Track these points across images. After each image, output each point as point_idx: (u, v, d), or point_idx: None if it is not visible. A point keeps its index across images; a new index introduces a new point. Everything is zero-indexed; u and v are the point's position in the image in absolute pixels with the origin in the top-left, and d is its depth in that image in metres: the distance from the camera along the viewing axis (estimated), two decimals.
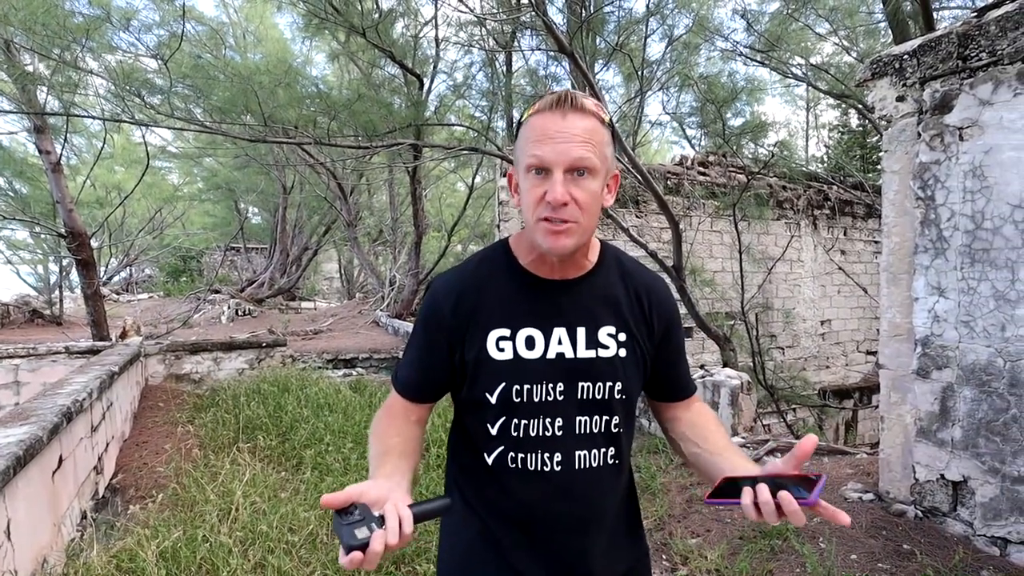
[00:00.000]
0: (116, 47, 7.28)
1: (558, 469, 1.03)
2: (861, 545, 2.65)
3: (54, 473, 2.90)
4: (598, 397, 1.05)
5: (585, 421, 1.05)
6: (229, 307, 14.37)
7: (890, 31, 7.37)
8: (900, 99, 2.89)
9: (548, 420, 1.03)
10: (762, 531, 2.89)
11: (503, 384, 1.01)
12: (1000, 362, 2.50)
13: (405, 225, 15.75)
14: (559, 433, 1.03)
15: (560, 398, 1.03)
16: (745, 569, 2.60)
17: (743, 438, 3.91)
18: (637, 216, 9.41)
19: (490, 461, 1.05)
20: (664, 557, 2.93)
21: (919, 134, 2.78)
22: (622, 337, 1.07)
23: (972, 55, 2.59)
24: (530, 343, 1.03)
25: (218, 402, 5.62)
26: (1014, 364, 2.45)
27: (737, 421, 4.02)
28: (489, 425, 1.04)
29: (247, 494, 3.31)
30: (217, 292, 15.93)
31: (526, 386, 1.02)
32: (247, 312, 14.62)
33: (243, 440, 4.59)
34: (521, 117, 1.01)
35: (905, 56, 2.85)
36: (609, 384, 1.05)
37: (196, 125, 7.08)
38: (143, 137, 8.94)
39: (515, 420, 1.02)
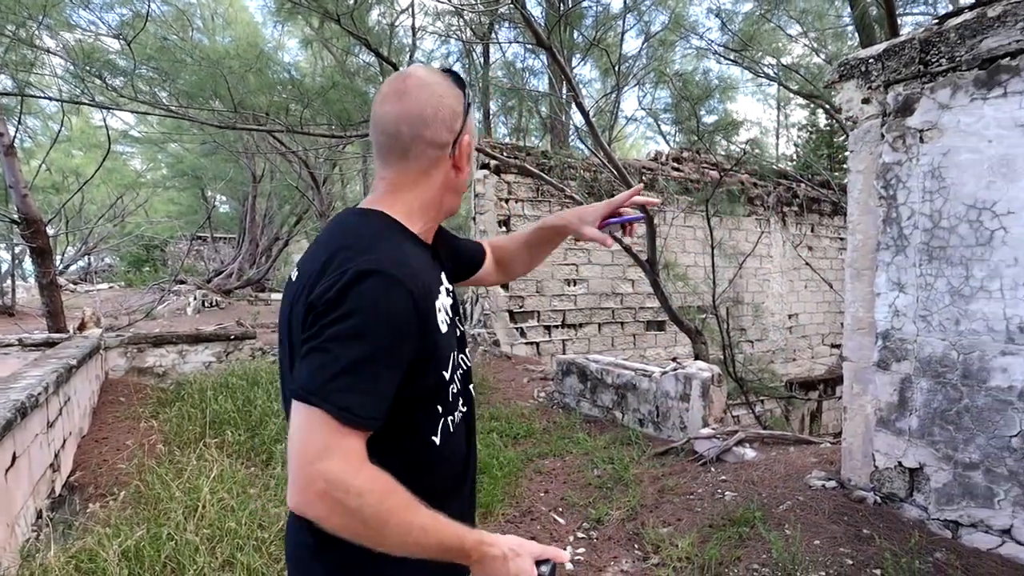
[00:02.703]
0: (75, 25, 7.04)
1: (465, 411, 1.10)
2: (824, 531, 2.74)
3: (7, 471, 2.82)
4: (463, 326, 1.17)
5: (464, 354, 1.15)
6: (195, 298, 14.04)
7: (857, 35, 7.56)
8: (865, 101, 2.97)
9: (465, 369, 1.11)
10: (731, 519, 2.97)
11: (452, 355, 1.02)
12: (954, 355, 2.60)
13: None
14: (464, 375, 1.11)
15: (465, 339, 1.14)
16: (715, 556, 2.67)
17: (713, 429, 4.00)
18: None
19: (438, 440, 1.00)
20: (636, 546, 2.99)
21: (883, 135, 2.87)
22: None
23: (933, 60, 2.68)
24: (451, 308, 1.06)
25: (183, 396, 5.51)
26: (967, 356, 2.56)
27: (708, 412, 4.11)
28: (440, 405, 1.00)
29: (214, 490, 3.25)
30: (182, 283, 15.55)
31: (461, 349, 1.09)
32: (214, 304, 14.32)
33: (210, 435, 4.51)
34: (468, 101, 1.07)
35: (871, 60, 2.93)
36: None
37: (161, 109, 6.89)
38: (104, 120, 8.67)
39: (452, 387, 1.03)
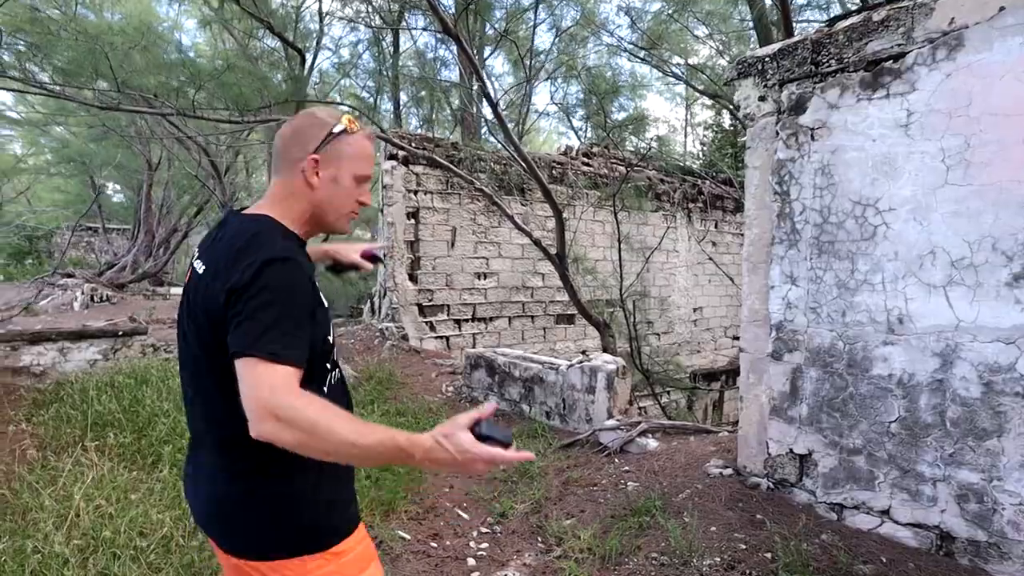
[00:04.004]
0: None
1: (338, 374, 1.35)
2: (720, 518, 2.82)
3: None
4: None
5: None
6: (83, 292, 12.85)
7: (756, 36, 7.94)
8: (762, 99, 3.07)
9: (333, 340, 1.33)
10: (632, 509, 3.00)
11: (331, 325, 1.30)
12: (841, 345, 2.74)
13: None
14: (333, 346, 1.33)
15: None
16: (615, 546, 2.68)
17: (618, 420, 4.05)
18: (522, 204, 9.50)
19: (326, 389, 1.26)
20: (540, 539, 2.96)
21: (777, 132, 2.97)
22: None
23: (823, 61, 2.79)
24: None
25: (63, 397, 5.11)
26: (852, 346, 2.70)
27: (613, 404, 4.15)
28: (328, 363, 1.27)
29: (91, 497, 3.06)
30: (70, 276, 14.20)
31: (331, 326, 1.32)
32: (105, 298, 13.19)
33: (91, 438, 4.20)
34: (339, 127, 1.26)
35: (767, 58, 3.03)
36: None
37: (35, 87, 6.20)
38: None
39: (333, 352, 1.31)
